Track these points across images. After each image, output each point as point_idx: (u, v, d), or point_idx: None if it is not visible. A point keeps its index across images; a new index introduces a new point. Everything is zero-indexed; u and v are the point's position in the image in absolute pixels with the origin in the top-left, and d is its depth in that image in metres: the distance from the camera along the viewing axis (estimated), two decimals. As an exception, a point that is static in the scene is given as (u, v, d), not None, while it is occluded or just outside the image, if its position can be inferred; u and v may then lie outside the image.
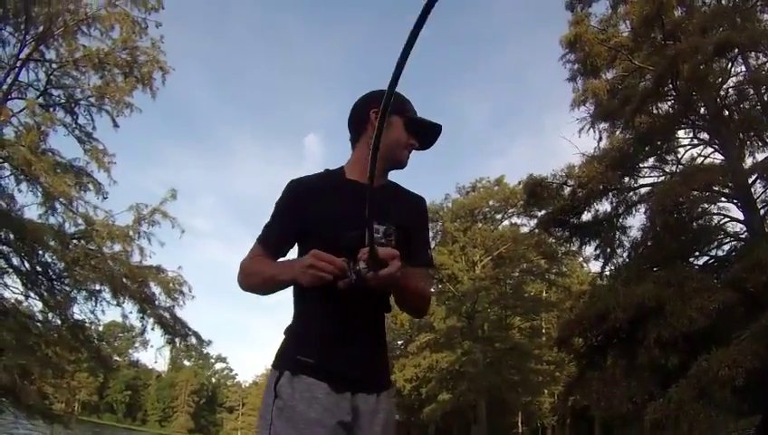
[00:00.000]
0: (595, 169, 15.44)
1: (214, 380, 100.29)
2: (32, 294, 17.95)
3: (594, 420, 24.48)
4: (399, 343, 51.76)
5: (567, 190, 16.85)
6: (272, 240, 2.25)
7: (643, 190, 16.55)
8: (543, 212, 17.72)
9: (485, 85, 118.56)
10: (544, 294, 41.74)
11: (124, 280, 17.43)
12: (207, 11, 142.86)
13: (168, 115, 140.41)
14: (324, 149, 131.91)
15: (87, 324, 18.94)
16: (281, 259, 2.23)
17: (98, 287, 18.14)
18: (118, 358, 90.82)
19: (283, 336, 2.21)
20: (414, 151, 2.32)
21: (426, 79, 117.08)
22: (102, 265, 17.23)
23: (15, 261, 17.81)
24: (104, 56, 18.55)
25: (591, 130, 17.94)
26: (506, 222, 43.08)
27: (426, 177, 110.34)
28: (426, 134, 2.30)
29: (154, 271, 18.45)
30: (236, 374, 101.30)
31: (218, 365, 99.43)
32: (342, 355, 2.09)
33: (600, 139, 17.90)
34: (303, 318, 2.19)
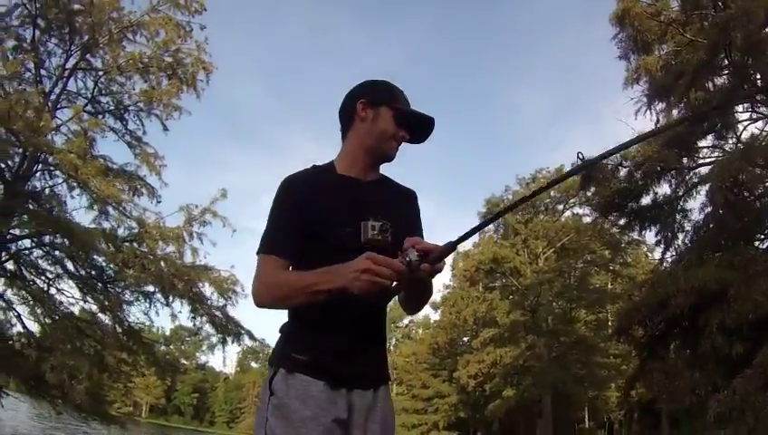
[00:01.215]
0: (651, 148, 14.57)
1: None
2: (87, 298, 18.24)
3: (661, 414, 23.48)
4: (465, 339, 51.30)
5: (623, 172, 15.99)
6: (288, 246, 2.10)
7: (703, 171, 15.59)
8: (600, 196, 16.85)
9: (542, 76, 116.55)
10: (609, 286, 40.56)
11: (174, 280, 17.42)
12: (260, 15, 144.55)
13: (228, 119, 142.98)
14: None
15: (141, 326, 19.12)
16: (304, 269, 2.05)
17: (150, 289, 18.33)
18: (185, 361, 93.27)
19: (280, 333, 2.18)
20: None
21: (482, 73, 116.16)
22: (152, 265, 17.29)
23: (70, 265, 18.16)
24: (147, 60, 18.70)
25: (648, 111, 17.01)
26: (568, 212, 42.10)
27: (484, 171, 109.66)
28: (417, 126, 2.23)
29: (202, 270, 18.42)
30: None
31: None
32: (337, 351, 2.04)
33: (658, 120, 16.98)
34: (298, 315, 2.12)
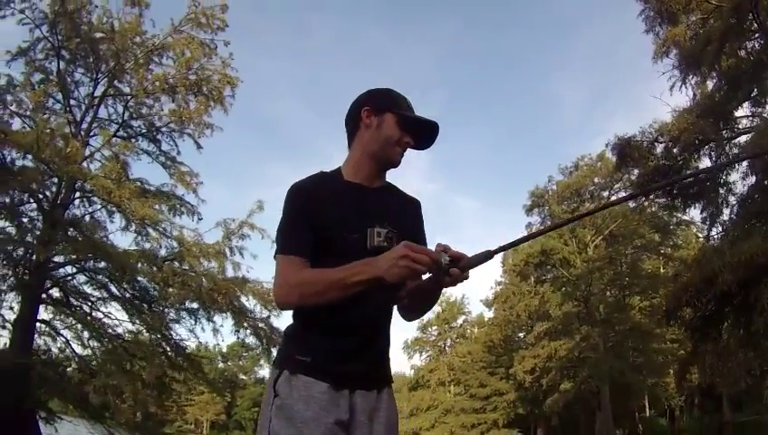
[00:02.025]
0: (685, 120, 13.98)
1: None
2: (133, 319, 18.43)
3: (722, 397, 22.62)
4: (521, 335, 50.72)
5: (660, 149, 15.40)
6: (307, 246, 2.09)
7: (743, 140, 14.91)
8: (639, 175, 16.28)
9: (579, 64, 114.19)
10: (662, 270, 39.45)
11: (213, 295, 17.47)
12: (289, 32, 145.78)
13: (268, 135, 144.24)
14: (429, 151, 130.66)
15: (198, 345, 19.21)
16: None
17: (194, 306, 18.43)
18: (244, 376, 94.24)
19: (283, 335, 2.24)
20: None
21: (518, 66, 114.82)
22: (192, 282, 17.38)
23: (113, 288, 18.40)
24: (172, 80, 18.87)
25: (683, 86, 16.38)
26: (614, 198, 40.99)
27: (528, 164, 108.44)
28: (421, 132, 2.23)
29: (242, 282, 18.45)
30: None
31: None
32: (340, 353, 2.07)
33: (695, 96, 16.35)
34: (302, 316, 2.13)
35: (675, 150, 14.88)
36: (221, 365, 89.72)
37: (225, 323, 18.82)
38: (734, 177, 16.48)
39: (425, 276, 1.95)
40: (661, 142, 15.22)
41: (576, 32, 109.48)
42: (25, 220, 17.79)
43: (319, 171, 2.25)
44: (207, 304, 17.73)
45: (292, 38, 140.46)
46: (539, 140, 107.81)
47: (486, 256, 1.87)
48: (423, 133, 2.23)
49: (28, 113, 17.14)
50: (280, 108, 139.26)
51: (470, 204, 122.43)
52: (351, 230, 2.07)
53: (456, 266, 1.84)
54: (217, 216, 20.08)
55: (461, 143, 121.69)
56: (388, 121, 2.18)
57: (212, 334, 18.88)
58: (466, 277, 1.88)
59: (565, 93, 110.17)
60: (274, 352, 19.07)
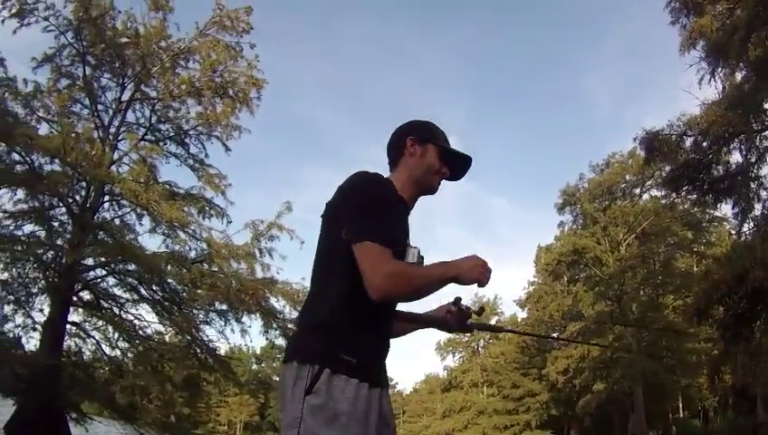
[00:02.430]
0: (714, 112, 13.59)
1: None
2: (164, 321, 18.56)
3: (756, 398, 22.02)
4: (555, 335, 50.16)
5: (689, 142, 15.01)
6: (399, 240, 2.16)
7: (774, 133, 14.46)
8: (669, 170, 15.88)
9: (610, 60, 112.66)
10: (695, 268, 38.65)
11: (241, 295, 17.49)
12: (319, 37, 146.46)
13: (304, 140, 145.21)
14: (458, 150, 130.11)
15: (232, 348, 19.26)
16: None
17: (224, 307, 18.48)
18: (277, 378, 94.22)
19: (311, 328, 2.17)
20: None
21: (550, 64, 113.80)
22: (219, 283, 17.43)
23: (143, 290, 18.55)
24: (197, 82, 18.97)
25: (711, 79, 15.89)
26: (646, 195, 40.33)
27: (561, 162, 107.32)
28: (457, 164, 2.42)
29: (269, 283, 18.44)
30: (396, 383, 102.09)
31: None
32: (380, 355, 2.21)
33: (725, 89, 15.88)
34: (347, 315, 2.10)
35: (704, 144, 14.47)
36: (255, 367, 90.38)
37: (254, 324, 18.80)
38: (766, 170, 16.03)
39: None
40: (690, 136, 14.81)
41: (606, 26, 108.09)
42: (56, 224, 18.09)
43: (381, 174, 2.30)
44: (236, 305, 17.72)
45: (321, 42, 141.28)
46: (571, 137, 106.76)
47: (469, 329, 2.39)
48: (459, 165, 2.43)
49: (55, 118, 17.32)
50: (310, 110, 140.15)
51: (503, 204, 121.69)
52: (402, 242, 2.17)
53: (470, 317, 2.30)
54: (250, 218, 19.98)
55: (492, 143, 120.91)
56: (430, 152, 2.35)
57: (240, 335, 18.86)
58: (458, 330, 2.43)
59: (596, 90, 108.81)
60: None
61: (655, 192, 37.64)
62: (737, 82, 15.11)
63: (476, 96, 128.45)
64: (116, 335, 18.08)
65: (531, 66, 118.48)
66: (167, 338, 18.96)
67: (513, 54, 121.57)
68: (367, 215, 2.08)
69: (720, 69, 15.55)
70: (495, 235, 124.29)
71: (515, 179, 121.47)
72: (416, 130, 2.39)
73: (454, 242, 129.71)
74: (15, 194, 17.21)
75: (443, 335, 63.14)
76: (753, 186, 15.19)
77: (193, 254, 19.10)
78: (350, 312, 2.08)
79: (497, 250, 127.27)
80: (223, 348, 19.76)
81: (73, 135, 16.36)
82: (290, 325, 18.79)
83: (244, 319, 18.72)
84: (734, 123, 13.48)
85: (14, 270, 17.23)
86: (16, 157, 16.67)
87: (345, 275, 2.05)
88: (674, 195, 18.05)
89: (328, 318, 2.11)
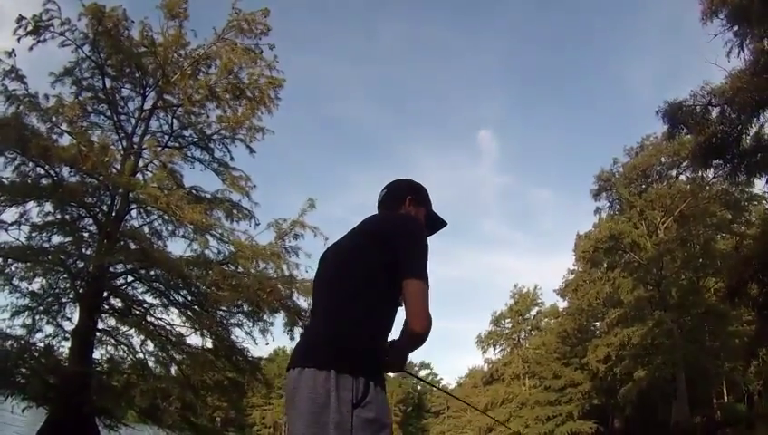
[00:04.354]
0: (740, 79, 12.98)
1: (419, 386, 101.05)
2: (192, 325, 18.58)
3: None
4: (597, 324, 49.43)
5: (715, 113, 14.38)
6: None
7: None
8: (694, 142, 15.25)
9: (647, 43, 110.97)
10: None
11: (261, 294, 17.42)
12: (359, 38, 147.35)
13: (347, 143, 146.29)
14: (499, 143, 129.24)
15: (243, 344, 19.22)
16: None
17: (246, 308, 18.45)
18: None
19: (350, 338, 2.25)
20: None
21: (587, 50, 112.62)
22: (241, 283, 17.40)
23: (172, 295, 18.62)
24: (214, 85, 19.02)
25: (740, 52, 15.15)
26: (682, 177, 39.43)
27: (597, 148, 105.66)
28: (434, 226, 2.86)
29: (288, 280, 18.38)
30: (441, 379, 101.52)
31: (423, 372, 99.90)
32: None
33: (758, 62, 15.12)
34: (382, 332, 2.36)
35: (731, 115, 13.84)
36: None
37: (277, 322, 18.73)
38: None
39: None
40: (715, 106, 14.19)
41: (644, 9, 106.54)
42: (86, 235, 18.25)
43: None
44: (257, 303, 17.68)
45: (360, 41, 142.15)
46: (612, 125, 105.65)
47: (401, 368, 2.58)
48: (435, 227, 2.87)
49: (76, 130, 17.49)
50: (349, 109, 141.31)
51: (544, 194, 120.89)
52: None
53: None
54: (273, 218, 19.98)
55: (531, 134, 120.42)
56: (420, 213, 2.78)
57: (260, 335, 18.73)
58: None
59: (636, 75, 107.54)
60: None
61: (691, 173, 36.90)
62: (762, 47, 14.42)
63: (516, 89, 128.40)
64: (148, 342, 18.18)
65: (569, 55, 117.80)
66: (196, 341, 18.94)
67: (551, 45, 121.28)
68: (424, 259, 2.39)
69: (748, 41, 14.91)
70: (538, 226, 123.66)
71: (558, 170, 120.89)
72: (415, 192, 2.82)
73: (496, 236, 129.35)
74: (44, 207, 17.44)
75: (483, 328, 62.69)
76: (787, 158, 14.52)
77: (219, 256, 19.12)
78: (384, 330, 2.35)
79: (540, 241, 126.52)
80: (265, 350, 19.75)
81: (90, 144, 16.44)
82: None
83: (267, 317, 18.72)
84: (761, 89, 12.87)
85: (44, 281, 17.42)
86: (41, 171, 16.85)
87: (384, 295, 2.31)
88: (705, 172, 17.34)
89: (371, 332, 2.29)
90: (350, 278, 2.35)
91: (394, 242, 2.36)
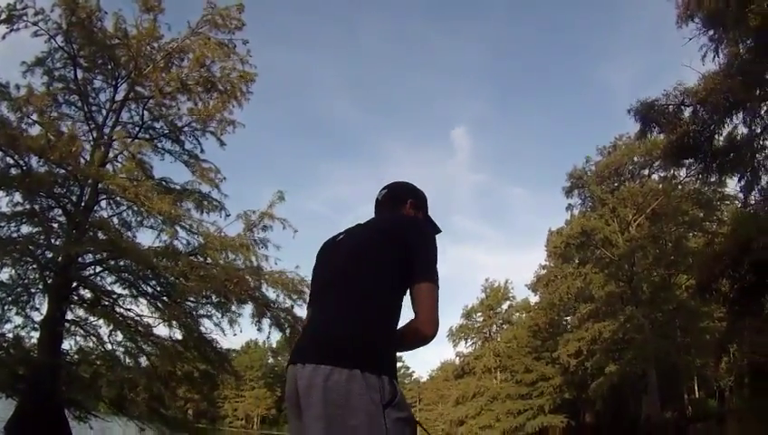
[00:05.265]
0: (713, 80, 13.07)
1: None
2: (161, 316, 18.45)
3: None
4: (568, 318, 49.89)
5: (687, 113, 14.47)
6: None
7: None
8: (666, 141, 15.34)
9: (626, 48, 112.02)
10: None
11: (229, 285, 17.36)
12: (341, 35, 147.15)
13: (321, 136, 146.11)
14: (472, 142, 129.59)
15: (212, 335, 19.12)
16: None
17: (219, 299, 18.36)
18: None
19: (371, 336, 2.19)
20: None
21: (566, 52, 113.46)
22: (208, 274, 17.31)
23: (141, 285, 18.46)
24: (185, 78, 18.92)
25: (715, 56, 15.20)
26: (655, 176, 39.86)
27: (576, 150, 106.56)
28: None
29: (255, 271, 18.34)
30: (413, 371, 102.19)
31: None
32: None
33: (732, 65, 15.18)
34: (396, 325, 2.30)
35: (703, 114, 13.94)
36: (271, 361, 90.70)
37: (246, 313, 18.70)
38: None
39: None
40: (688, 106, 14.28)
41: (623, 13, 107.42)
42: (55, 226, 18.01)
43: None
44: (224, 294, 17.62)
45: (340, 36, 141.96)
46: (590, 126, 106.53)
47: None
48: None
49: (46, 120, 17.26)
50: (325, 103, 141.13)
51: (519, 192, 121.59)
52: None
53: None
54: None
55: (507, 132, 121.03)
56: (418, 217, 2.76)
57: (228, 326, 18.68)
58: None
59: (614, 77, 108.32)
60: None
61: (664, 172, 37.31)
62: (737, 51, 14.49)
63: (495, 89, 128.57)
64: (116, 332, 18.02)
65: (547, 56, 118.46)
66: (165, 333, 18.82)
67: (530, 45, 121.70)
68: (436, 262, 2.38)
69: (723, 45, 14.97)
70: (511, 223, 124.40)
71: (534, 169, 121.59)
72: (416, 196, 2.83)
73: (469, 231, 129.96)
74: (13, 197, 17.22)
75: (454, 321, 62.92)
76: (759, 157, 14.64)
77: (188, 247, 19.02)
78: (396, 327, 2.30)
79: (513, 238, 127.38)
80: (235, 342, 19.72)
81: (56, 134, 16.24)
82: (282, 314, 18.70)
83: (235, 308, 18.70)
84: (734, 91, 12.96)
85: (12, 271, 17.18)
86: (10, 160, 16.56)
87: (398, 294, 2.29)
88: (677, 171, 17.49)
89: (389, 330, 2.26)
90: (366, 274, 2.31)
91: (410, 243, 2.35)
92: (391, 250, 2.32)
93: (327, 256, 2.56)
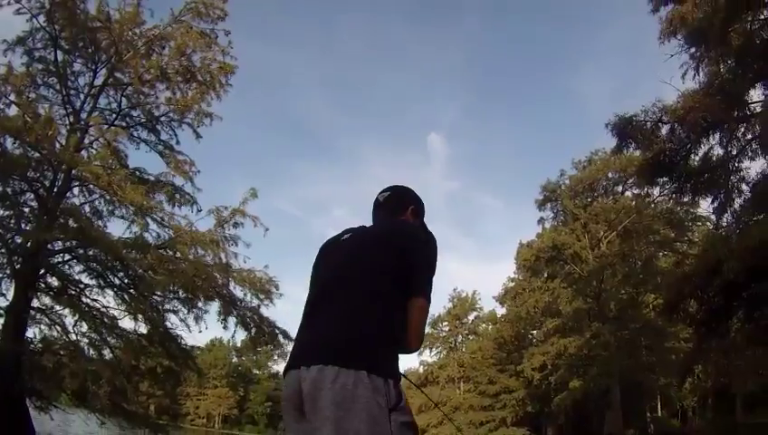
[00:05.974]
0: (692, 99, 13.18)
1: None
2: (128, 308, 18.21)
3: (735, 399, 21.74)
4: (534, 332, 50.09)
5: (665, 130, 14.59)
6: None
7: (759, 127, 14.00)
8: (643, 159, 15.44)
9: (603, 60, 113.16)
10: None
11: (196, 281, 17.21)
12: (319, 32, 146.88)
13: (296, 135, 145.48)
14: (448, 149, 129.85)
15: (177, 331, 18.92)
16: None
17: (186, 295, 18.19)
18: (257, 371, 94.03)
19: (375, 339, 2.19)
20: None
21: (542, 63, 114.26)
22: (177, 268, 17.12)
23: (109, 276, 18.21)
24: (165, 66, 18.77)
25: (696, 75, 15.36)
26: (628, 193, 40.21)
27: (551, 162, 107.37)
28: None
29: (224, 268, 18.22)
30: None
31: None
32: None
33: (712, 84, 15.34)
34: (398, 330, 2.28)
35: (681, 133, 14.06)
36: (235, 360, 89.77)
37: (212, 310, 18.57)
38: (748, 163, 15.61)
39: None
40: (666, 123, 14.40)
41: (600, 25, 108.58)
42: (26, 210, 17.68)
43: None
44: (191, 290, 17.46)
45: (317, 34, 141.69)
46: (565, 137, 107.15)
47: None
48: None
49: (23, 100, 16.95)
50: (306, 105, 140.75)
51: (492, 202, 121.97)
52: None
53: None
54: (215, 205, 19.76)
55: (482, 141, 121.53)
56: (416, 224, 2.75)
57: (194, 322, 18.66)
58: None
59: (591, 89, 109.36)
60: (263, 340, 18.73)
61: (637, 190, 37.61)
62: (718, 70, 14.67)
63: (471, 95, 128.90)
64: (81, 322, 17.74)
65: (525, 66, 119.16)
66: (130, 326, 18.58)
67: (507, 53, 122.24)
68: (432, 280, 2.43)
69: (704, 63, 15.13)
70: (482, 233, 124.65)
71: (506, 179, 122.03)
72: (417, 204, 2.84)
73: (441, 241, 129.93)
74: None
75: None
76: (733, 179, 14.81)
77: (158, 240, 18.82)
78: (400, 330, 2.28)
79: (483, 248, 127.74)
80: (200, 339, 19.52)
81: (32, 114, 15.94)
82: (249, 313, 18.60)
83: (202, 305, 18.63)
84: (712, 110, 13.11)
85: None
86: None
87: (400, 301, 2.29)
88: (650, 189, 17.61)
89: (393, 334, 2.24)
90: (371, 279, 2.32)
91: (413, 258, 2.38)
92: (394, 258, 2.35)
93: (330, 257, 2.57)
